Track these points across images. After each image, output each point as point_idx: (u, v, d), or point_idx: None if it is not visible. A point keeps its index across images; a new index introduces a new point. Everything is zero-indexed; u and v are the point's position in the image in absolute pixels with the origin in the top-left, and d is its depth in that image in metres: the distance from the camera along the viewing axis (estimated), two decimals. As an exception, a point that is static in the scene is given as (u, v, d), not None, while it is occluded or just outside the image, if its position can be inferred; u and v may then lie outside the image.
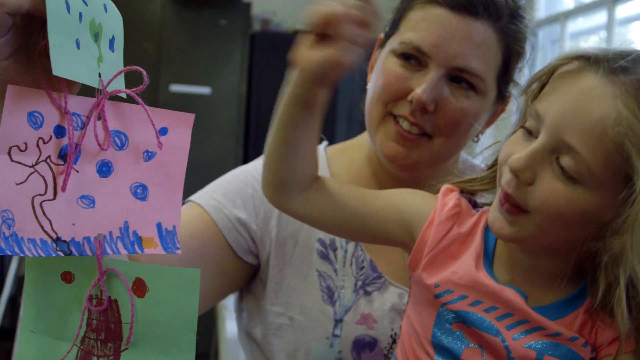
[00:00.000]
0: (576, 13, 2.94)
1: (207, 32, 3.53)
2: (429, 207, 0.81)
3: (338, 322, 0.96)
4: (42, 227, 0.55)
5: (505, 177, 0.71)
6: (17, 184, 0.54)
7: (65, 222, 0.56)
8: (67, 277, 0.58)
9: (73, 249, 0.56)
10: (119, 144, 0.59)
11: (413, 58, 0.92)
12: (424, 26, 0.91)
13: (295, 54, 0.76)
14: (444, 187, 0.84)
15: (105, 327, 0.59)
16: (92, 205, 0.57)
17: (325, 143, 1.11)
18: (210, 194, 1.00)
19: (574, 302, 0.73)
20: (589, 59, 0.68)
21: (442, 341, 0.75)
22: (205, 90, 3.54)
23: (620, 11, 2.65)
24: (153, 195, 0.60)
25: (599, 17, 2.78)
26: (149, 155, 0.61)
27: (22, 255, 0.53)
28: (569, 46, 2.99)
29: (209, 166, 3.49)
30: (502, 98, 0.99)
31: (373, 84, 0.97)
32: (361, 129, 1.06)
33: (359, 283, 0.97)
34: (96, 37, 0.58)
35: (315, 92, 0.77)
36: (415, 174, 0.98)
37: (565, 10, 2.99)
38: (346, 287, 0.97)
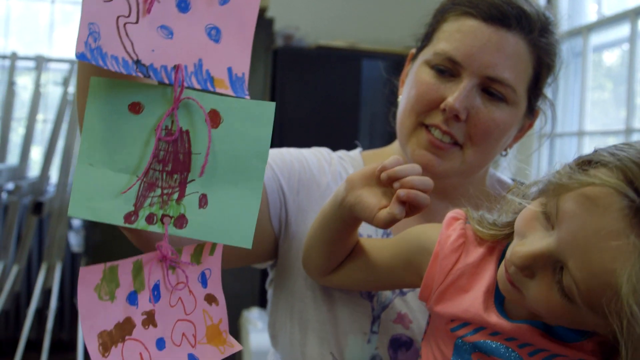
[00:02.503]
0: (599, 26, 2.94)
1: (230, 48, 3.58)
2: (434, 241, 0.78)
3: (376, 318, 0.94)
4: (125, 47, 0.54)
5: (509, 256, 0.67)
6: (105, 1, 0.53)
7: (146, 46, 0.55)
8: (136, 107, 0.57)
9: (152, 74, 0.56)
10: (197, -18, 0.59)
11: (447, 71, 0.93)
12: (458, 37, 0.93)
13: (351, 177, 0.82)
14: (448, 216, 0.80)
15: (173, 158, 0.57)
16: (170, 36, 0.57)
17: (359, 149, 1.12)
18: None
19: None
20: (617, 191, 0.60)
21: None
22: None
23: (644, 23, 2.65)
24: (226, 39, 0.60)
25: (622, 30, 2.79)
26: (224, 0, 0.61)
27: (105, 67, 0.53)
28: (591, 60, 3.01)
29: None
30: (531, 112, 0.99)
31: (406, 95, 0.98)
32: (383, 141, 1.06)
33: None
34: None
35: (359, 222, 0.85)
36: (445, 183, 0.98)
37: (588, 23, 2.99)
38: None
